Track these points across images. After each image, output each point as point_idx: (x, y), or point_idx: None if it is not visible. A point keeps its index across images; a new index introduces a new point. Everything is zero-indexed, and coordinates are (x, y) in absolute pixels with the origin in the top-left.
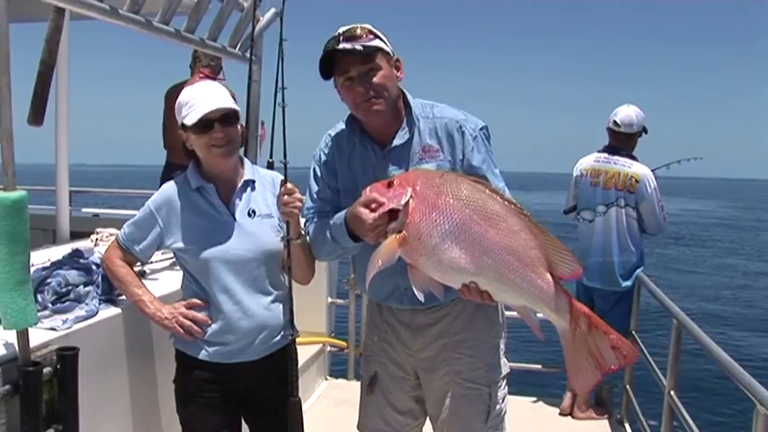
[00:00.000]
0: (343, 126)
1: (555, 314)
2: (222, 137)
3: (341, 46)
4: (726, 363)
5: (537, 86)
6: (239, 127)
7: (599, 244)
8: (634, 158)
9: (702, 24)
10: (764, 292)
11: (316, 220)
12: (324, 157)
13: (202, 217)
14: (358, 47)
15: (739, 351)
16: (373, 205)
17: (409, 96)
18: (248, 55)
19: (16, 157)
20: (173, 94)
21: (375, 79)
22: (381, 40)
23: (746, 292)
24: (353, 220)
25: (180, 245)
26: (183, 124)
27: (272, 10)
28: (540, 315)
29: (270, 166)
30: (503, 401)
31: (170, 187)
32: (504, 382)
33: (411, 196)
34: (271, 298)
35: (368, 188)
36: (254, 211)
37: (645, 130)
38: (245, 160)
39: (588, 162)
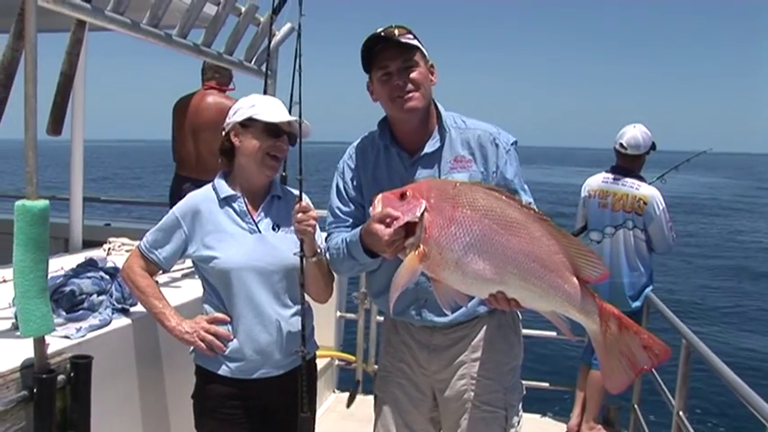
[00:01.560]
0: (368, 136)
1: (584, 317)
2: (284, 149)
3: (382, 34)
4: (735, 384)
5: (536, 60)
6: None
7: (608, 265)
8: (642, 179)
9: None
10: None
11: (335, 236)
12: (348, 170)
13: (228, 226)
14: (401, 39)
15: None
16: (388, 220)
17: (440, 107)
18: (264, 69)
19: None
20: (182, 105)
21: (413, 75)
22: (419, 42)
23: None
24: (369, 237)
25: (204, 253)
26: (249, 118)
27: (288, 25)
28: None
29: (283, 180)
30: (518, 424)
31: (197, 195)
32: (520, 404)
33: (426, 209)
34: (291, 311)
35: (378, 198)
36: (278, 226)
37: (653, 147)
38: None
39: (596, 182)
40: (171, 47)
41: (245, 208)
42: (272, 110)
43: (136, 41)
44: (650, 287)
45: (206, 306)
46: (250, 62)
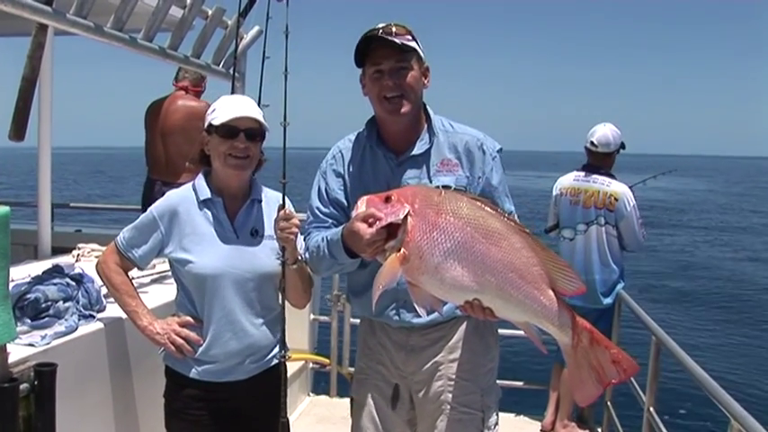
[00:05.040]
0: (353, 137)
1: (558, 330)
2: (243, 148)
3: (380, 33)
4: (702, 379)
5: (524, 66)
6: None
7: (580, 262)
8: (613, 177)
9: (700, 3)
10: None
11: (315, 234)
12: (330, 172)
13: (206, 230)
14: (396, 40)
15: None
16: (371, 220)
17: (430, 109)
18: (231, 72)
19: None
20: (154, 109)
21: (404, 78)
22: (417, 44)
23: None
24: (351, 236)
25: (180, 255)
26: (209, 125)
27: (256, 27)
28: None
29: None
30: (495, 426)
31: (176, 195)
32: (497, 406)
33: (409, 213)
34: (263, 319)
35: (363, 200)
36: (257, 231)
37: (623, 146)
38: (255, 179)
39: (568, 181)
40: (136, 50)
41: (224, 213)
42: (226, 110)
43: (102, 46)
44: (622, 284)
45: (178, 307)
46: (218, 65)
